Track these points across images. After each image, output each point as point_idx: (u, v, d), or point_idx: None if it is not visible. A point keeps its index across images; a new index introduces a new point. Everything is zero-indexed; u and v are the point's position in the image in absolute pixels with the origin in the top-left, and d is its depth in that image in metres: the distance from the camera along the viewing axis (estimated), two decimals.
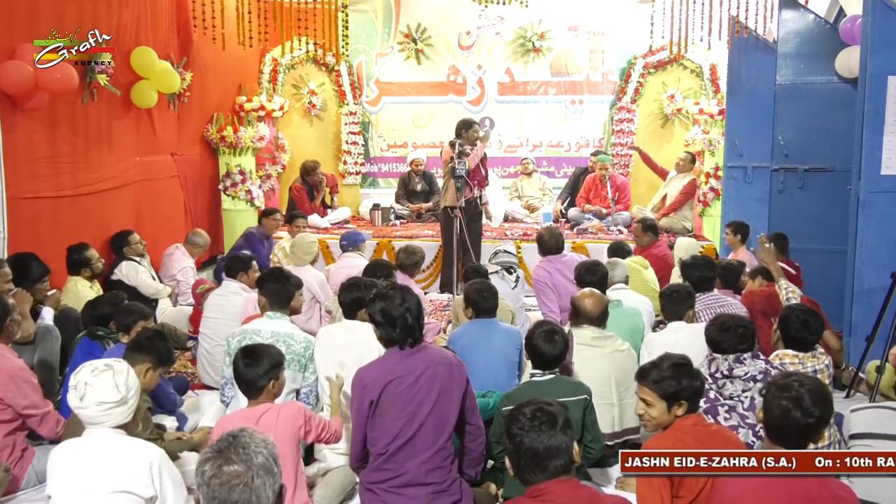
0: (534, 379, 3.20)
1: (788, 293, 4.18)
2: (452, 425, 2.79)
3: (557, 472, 2.08)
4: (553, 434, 2.09)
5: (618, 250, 5.86)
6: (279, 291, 3.81)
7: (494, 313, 3.99)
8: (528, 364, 3.40)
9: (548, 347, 3.16)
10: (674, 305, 4.01)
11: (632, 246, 6.18)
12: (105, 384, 2.48)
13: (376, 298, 2.85)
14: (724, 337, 3.26)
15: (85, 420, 2.53)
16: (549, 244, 5.34)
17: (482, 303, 3.94)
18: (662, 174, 8.13)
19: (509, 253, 5.48)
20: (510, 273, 5.30)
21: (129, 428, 2.58)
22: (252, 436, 1.79)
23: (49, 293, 4.52)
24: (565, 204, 8.27)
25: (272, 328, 3.69)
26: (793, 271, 5.00)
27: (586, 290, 3.92)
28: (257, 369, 2.95)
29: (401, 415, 2.72)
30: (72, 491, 2.45)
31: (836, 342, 4.44)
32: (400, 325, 2.78)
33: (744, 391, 3.17)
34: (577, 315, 3.74)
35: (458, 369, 2.84)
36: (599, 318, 3.74)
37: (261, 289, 3.95)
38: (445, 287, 6.73)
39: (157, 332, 3.50)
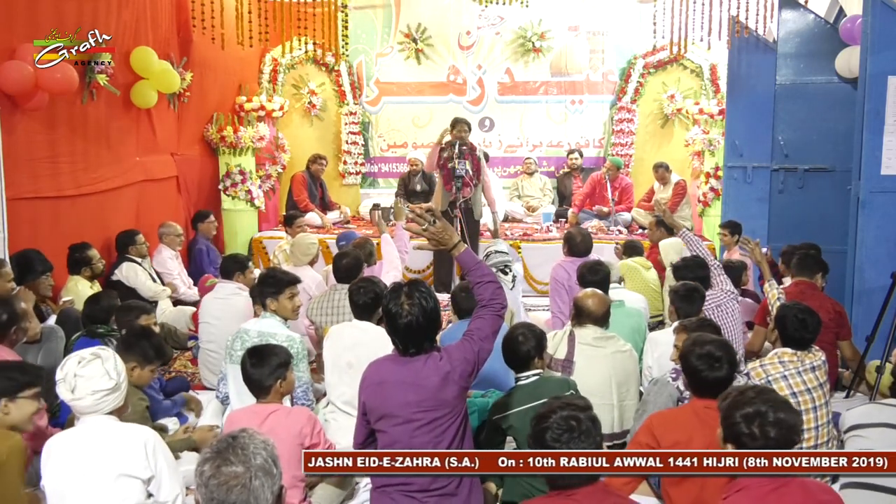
0: (519, 383, 3.22)
1: (779, 294, 4.22)
2: (452, 436, 2.64)
3: (587, 480, 2.11)
4: (591, 442, 2.12)
5: (631, 249, 5.87)
6: (261, 292, 3.91)
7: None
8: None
9: (517, 346, 3.22)
10: (688, 305, 4.00)
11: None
12: (96, 373, 2.52)
13: (389, 295, 2.71)
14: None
15: (79, 410, 2.57)
16: (579, 247, 5.27)
17: (461, 304, 4.02)
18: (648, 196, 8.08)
19: (502, 252, 5.44)
20: (505, 274, 5.27)
21: (120, 412, 2.63)
22: (252, 437, 1.78)
23: (63, 300, 4.68)
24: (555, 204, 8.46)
25: (259, 327, 3.75)
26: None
27: (588, 290, 3.92)
28: (264, 369, 3.00)
29: (394, 421, 2.63)
30: (70, 480, 2.48)
31: (850, 352, 4.44)
32: (402, 334, 2.63)
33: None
34: (580, 315, 3.75)
35: (456, 371, 2.62)
36: (602, 318, 3.74)
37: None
38: (443, 286, 6.74)
39: (144, 330, 3.53)
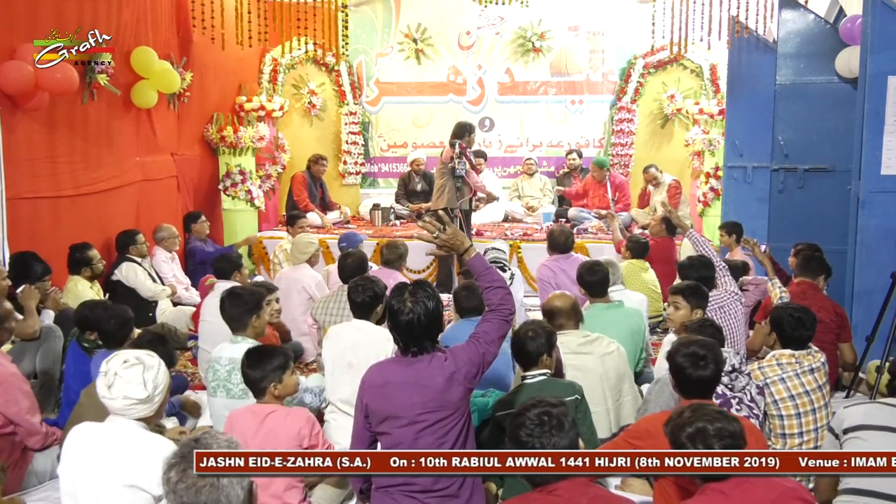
0: (525, 382, 3.20)
1: (782, 293, 4.22)
2: (455, 437, 2.63)
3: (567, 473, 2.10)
4: (563, 435, 2.12)
5: (637, 247, 5.87)
6: (232, 315, 3.64)
7: (478, 312, 3.94)
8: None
9: (525, 342, 3.19)
10: (705, 301, 4.01)
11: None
12: (133, 378, 2.45)
13: (393, 292, 2.70)
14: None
15: (110, 409, 2.50)
16: (559, 241, 5.33)
17: (462, 302, 4.03)
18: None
19: (499, 250, 5.44)
20: (503, 272, 5.28)
21: (150, 421, 2.56)
22: (215, 437, 1.78)
23: (49, 291, 4.54)
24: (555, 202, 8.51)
25: (230, 354, 3.47)
26: None
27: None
28: (257, 371, 2.97)
29: (398, 423, 2.63)
30: (84, 477, 2.45)
31: (850, 355, 4.44)
32: (403, 331, 2.64)
33: (747, 384, 3.21)
34: (552, 319, 3.72)
35: (461, 372, 2.62)
36: (574, 313, 3.74)
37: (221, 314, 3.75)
38: (443, 286, 6.74)
39: (159, 336, 3.48)
